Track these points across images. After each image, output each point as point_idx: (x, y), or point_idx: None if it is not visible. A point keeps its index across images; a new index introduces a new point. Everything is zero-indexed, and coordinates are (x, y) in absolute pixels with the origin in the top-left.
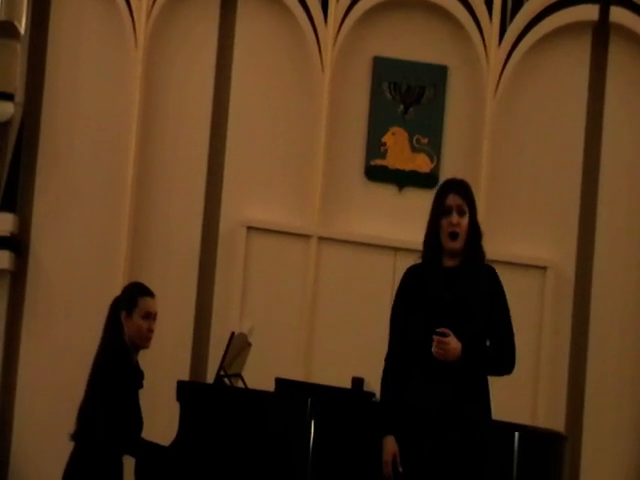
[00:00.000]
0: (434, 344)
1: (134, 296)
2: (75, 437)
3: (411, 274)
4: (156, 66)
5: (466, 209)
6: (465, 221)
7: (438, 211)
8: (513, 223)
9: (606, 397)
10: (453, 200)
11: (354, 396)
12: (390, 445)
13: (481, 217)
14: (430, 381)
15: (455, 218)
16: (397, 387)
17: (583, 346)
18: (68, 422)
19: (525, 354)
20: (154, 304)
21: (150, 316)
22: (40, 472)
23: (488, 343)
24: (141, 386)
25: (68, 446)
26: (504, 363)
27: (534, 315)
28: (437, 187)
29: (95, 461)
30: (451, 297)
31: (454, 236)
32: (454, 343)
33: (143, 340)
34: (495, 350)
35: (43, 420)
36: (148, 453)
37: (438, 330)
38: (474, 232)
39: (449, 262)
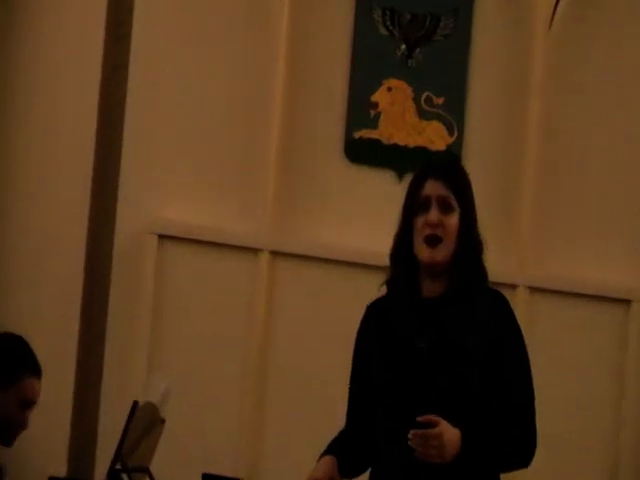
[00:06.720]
0: (414, 442)
1: (18, 370)
2: None
3: (371, 315)
4: None
5: (454, 203)
6: (453, 221)
7: (411, 206)
8: (575, 234)
9: None
10: (433, 189)
11: None
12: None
13: (526, 222)
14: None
15: (435, 214)
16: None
17: None
18: None
19: (604, 408)
20: (39, 388)
21: (29, 405)
22: None
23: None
24: None
25: None
26: (519, 452)
27: (613, 361)
28: None
29: None
30: (428, 346)
31: (433, 241)
32: (449, 434)
33: (7, 434)
34: (505, 435)
35: None
36: None
37: (420, 419)
38: (468, 238)
39: (429, 288)
